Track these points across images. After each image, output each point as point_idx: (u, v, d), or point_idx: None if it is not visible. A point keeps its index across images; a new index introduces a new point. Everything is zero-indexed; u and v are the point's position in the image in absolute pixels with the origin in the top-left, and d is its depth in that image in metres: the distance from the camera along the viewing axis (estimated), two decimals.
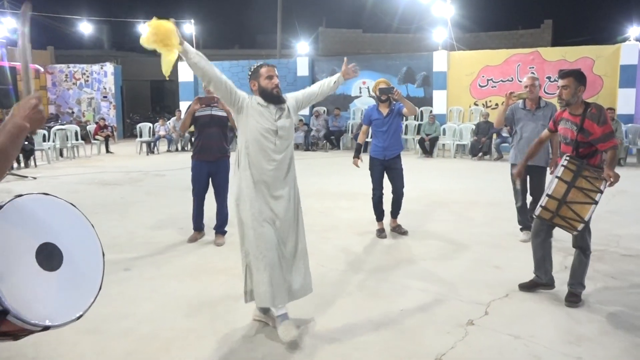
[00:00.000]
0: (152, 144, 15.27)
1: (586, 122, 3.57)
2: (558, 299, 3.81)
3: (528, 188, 5.33)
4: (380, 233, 5.67)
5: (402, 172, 5.64)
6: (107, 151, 15.37)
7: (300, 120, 16.27)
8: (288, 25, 26.43)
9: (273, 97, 3.29)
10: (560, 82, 3.67)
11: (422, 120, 15.31)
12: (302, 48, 21.10)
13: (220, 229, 5.39)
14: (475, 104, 15.25)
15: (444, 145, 13.95)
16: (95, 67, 19.92)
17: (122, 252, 5.13)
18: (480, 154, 12.90)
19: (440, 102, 15.62)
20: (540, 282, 4.01)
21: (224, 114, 5.19)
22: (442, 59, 15.61)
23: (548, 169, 5.28)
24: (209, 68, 3.12)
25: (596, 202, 3.41)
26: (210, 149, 5.17)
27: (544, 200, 3.57)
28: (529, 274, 4.09)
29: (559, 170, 3.56)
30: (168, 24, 2.87)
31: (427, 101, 15.93)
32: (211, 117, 5.17)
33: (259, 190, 3.24)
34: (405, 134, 15.21)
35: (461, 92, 15.40)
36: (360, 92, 16.88)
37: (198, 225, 5.48)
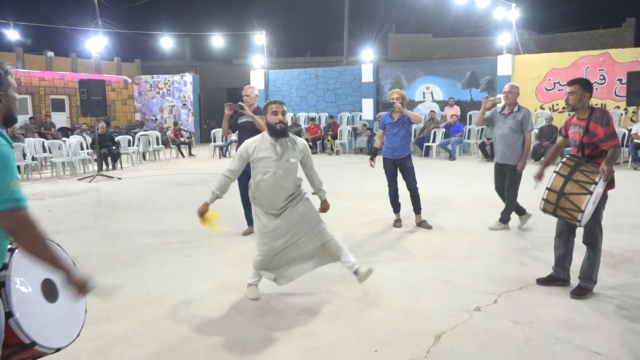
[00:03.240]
0: (224, 148, 16.36)
1: (591, 125, 3.87)
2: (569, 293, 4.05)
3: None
4: (396, 222, 6.43)
5: (413, 170, 6.23)
6: (189, 154, 16.54)
7: (364, 125, 16.72)
8: (358, 32, 27.02)
9: (276, 131, 3.83)
10: (568, 89, 4.01)
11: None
12: (367, 55, 21.43)
13: None
14: (542, 108, 15.00)
15: None
16: (176, 77, 21.53)
17: (185, 241, 5.90)
18: (542, 158, 12.75)
19: None
20: (558, 277, 4.25)
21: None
22: (506, 62, 15.50)
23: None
24: (226, 185, 4.11)
25: (591, 193, 3.64)
26: None
27: (545, 193, 3.90)
28: (550, 270, 4.34)
29: (558, 166, 3.89)
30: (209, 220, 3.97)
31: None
32: (246, 123, 5.86)
33: (264, 210, 3.95)
34: (468, 138, 15.25)
35: (527, 96, 15.13)
36: (424, 97, 17.08)
37: (250, 220, 6.12)
